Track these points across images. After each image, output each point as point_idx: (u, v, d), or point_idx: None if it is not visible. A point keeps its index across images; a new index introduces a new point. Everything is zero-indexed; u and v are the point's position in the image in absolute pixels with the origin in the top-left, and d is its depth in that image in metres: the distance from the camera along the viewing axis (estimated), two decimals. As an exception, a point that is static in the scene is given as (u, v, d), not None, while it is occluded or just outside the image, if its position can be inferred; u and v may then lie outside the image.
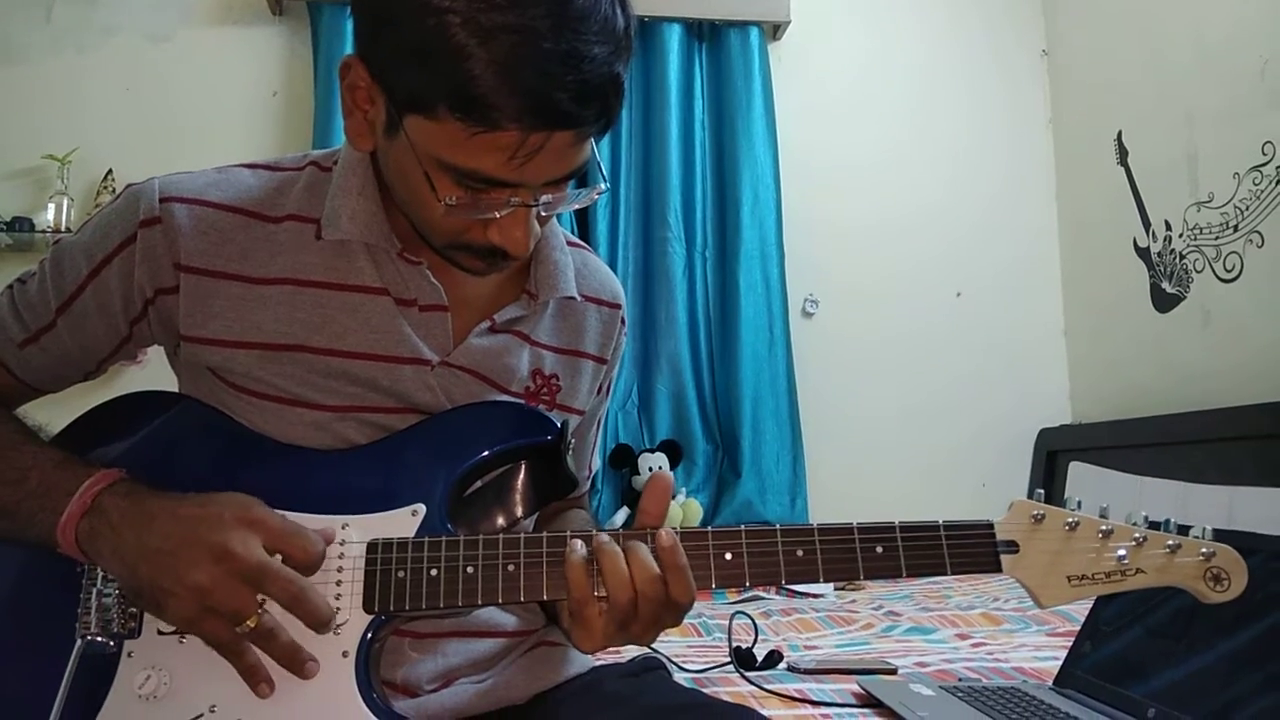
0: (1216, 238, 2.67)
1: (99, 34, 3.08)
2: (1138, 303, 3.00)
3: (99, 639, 0.78)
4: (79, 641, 0.78)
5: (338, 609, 0.78)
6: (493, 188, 0.76)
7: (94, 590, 0.79)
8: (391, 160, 0.81)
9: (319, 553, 0.77)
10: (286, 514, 0.80)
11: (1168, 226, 2.88)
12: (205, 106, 3.09)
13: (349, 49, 0.79)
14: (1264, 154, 2.47)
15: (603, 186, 0.84)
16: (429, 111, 0.73)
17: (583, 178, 0.82)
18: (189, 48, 3.13)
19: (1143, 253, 3.01)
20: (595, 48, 0.71)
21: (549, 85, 0.70)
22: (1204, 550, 0.78)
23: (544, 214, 0.81)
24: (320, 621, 0.76)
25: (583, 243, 1.05)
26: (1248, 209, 2.54)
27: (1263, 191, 2.49)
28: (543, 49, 0.70)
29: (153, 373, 0.96)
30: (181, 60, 3.12)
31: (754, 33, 3.27)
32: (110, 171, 2.93)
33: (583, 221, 3.11)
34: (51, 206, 2.88)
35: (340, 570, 0.79)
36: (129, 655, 0.79)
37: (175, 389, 0.93)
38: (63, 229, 2.85)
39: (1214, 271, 2.68)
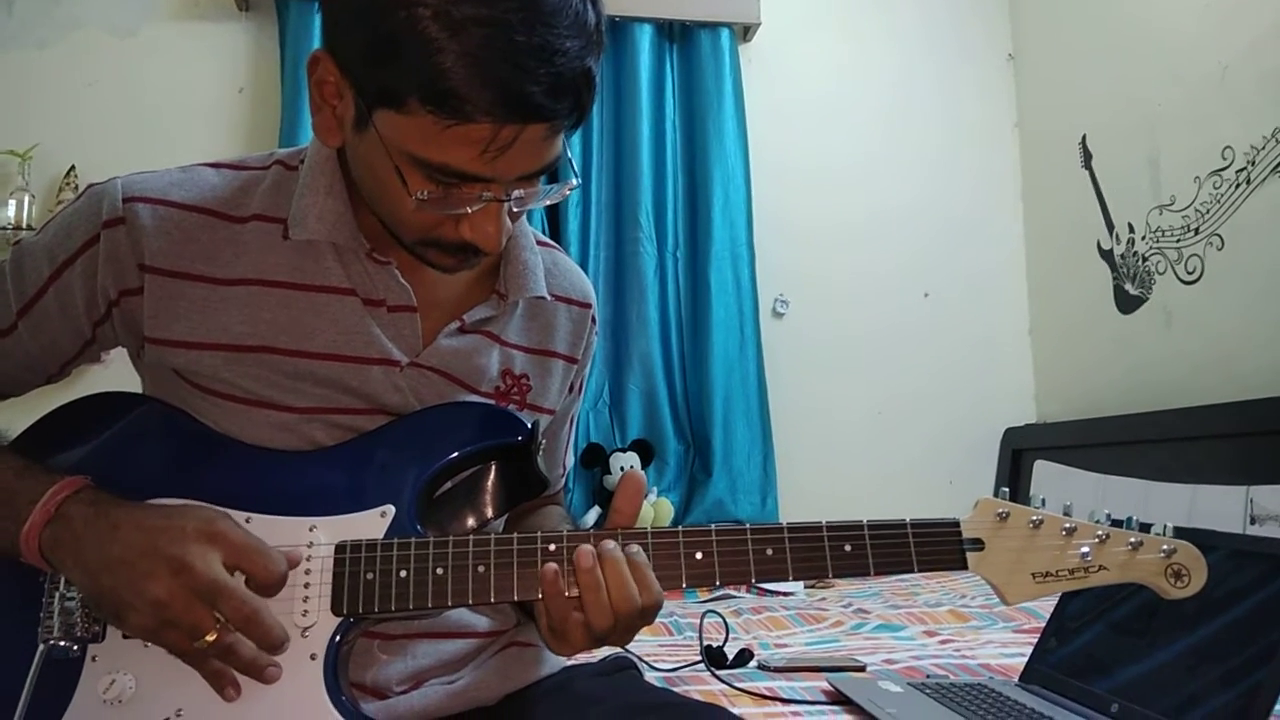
0: (1178, 240, 2.71)
1: (61, 28, 3.02)
2: (1101, 304, 3.05)
3: (62, 643, 0.77)
4: (41, 646, 0.77)
5: (305, 611, 0.78)
6: (464, 182, 0.75)
7: (56, 594, 0.78)
8: (361, 156, 0.80)
9: (281, 573, 0.76)
10: (254, 516, 0.80)
11: (1131, 229, 2.93)
12: (170, 103, 3.05)
13: (317, 45, 0.79)
14: (1224, 158, 2.52)
15: (574, 182, 0.84)
16: (399, 105, 0.72)
17: (555, 173, 0.82)
18: (153, 43, 3.08)
19: (1106, 255, 3.05)
20: (567, 41, 0.71)
21: (521, 78, 0.70)
22: (1165, 547, 0.80)
23: (516, 209, 0.80)
24: (273, 645, 0.75)
25: (553, 242, 1.05)
26: (1208, 212, 2.59)
27: (1223, 195, 2.53)
28: (515, 42, 0.69)
29: (115, 373, 0.94)
30: (146, 56, 3.07)
31: (724, 34, 3.28)
32: (73, 168, 2.88)
33: (554, 221, 3.10)
34: (12, 203, 2.83)
35: (308, 572, 0.79)
36: (93, 659, 0.78)
37: (138, 389, 0.92)
38: (23, 226, 2.80)
39: (1176, 274, 2.73)
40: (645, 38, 3.23)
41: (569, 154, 0.80)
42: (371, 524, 0.80)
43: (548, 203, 0.84)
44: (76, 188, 2.84)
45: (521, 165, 0.75)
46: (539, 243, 0.99)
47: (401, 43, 0.70)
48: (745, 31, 3.36)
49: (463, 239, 0.79)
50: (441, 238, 0.80)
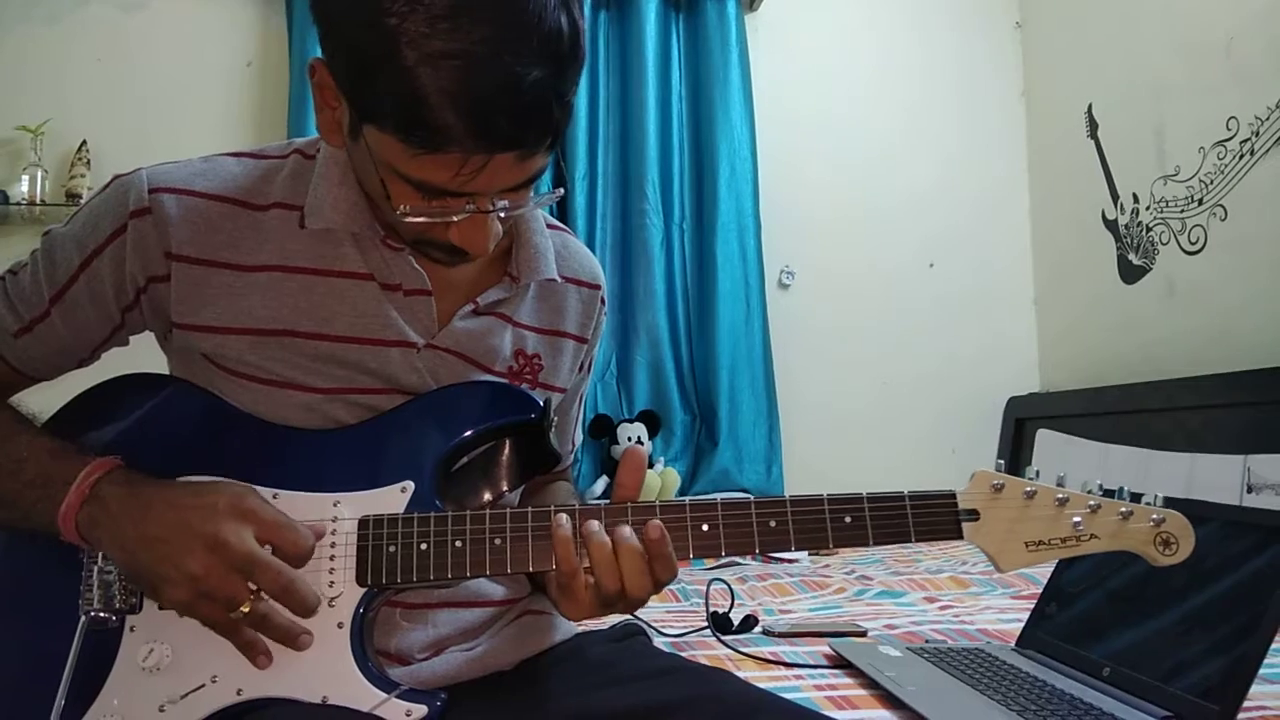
0: (1182, 211, 2.72)
1: (71, 3, 3.03)
2: (1105, 274, 3.06)
3: (102, 614, 0.81)
4: (83, 617, 0.81)
5: (331, 582, 0.82)
6: (447, 197, 0.78)
7: (95, 568, 0.82)
8: (356, 161, 0.84)
9: (308, 546, 0.80)
10: (280, 492, 0.83)
11: (1135, 199, 2.93)
12: (179, 77, 3.06)
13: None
14: (1228, 129, 2.52)
15: (560, 191, 0.88)
16: (379, 125, 0.75)
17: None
18: (162, 17, 3.09)
19: (1111, 225, 3.06)
20: (535, 69, 0.72)
21: (487, 111, 0.72)
22: (1154, 516, 0.83)
23: (504, 216, 0.82)
24: (307, 610, 0.79)
25: (563, 225, 1.08)
26: (1212, 183, 2.59)
27: (1227, 166, 2.54)
28: (481, 75, 0.71)
29: (135, 351, 0.98)
30: (154, 30, 3.08)
31: (730, 4, 3.27)
32: (84, 143, 2.90)
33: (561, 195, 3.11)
34: (25, 178, 2.85)
35: (333, 545, 0.82)
36: (131, 630, 0.82)
37: (159, 367, 0.95)
38: (37, 201, 2.83)
39: (1179, 244, 2.74)
40: (651, 9, 3.22)
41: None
42: (392, 499, 0.84)
43: (534, 209, 0.86)
44: (89, 163, 2.86)
45: (500, 182, 0.78)
46: (549, 226, 1.02)
47: (378, 70, 0.72)
48: (751, 2, 3.36)
49: (453, 242, 0.82)
50: (435, 239, 0.83)
